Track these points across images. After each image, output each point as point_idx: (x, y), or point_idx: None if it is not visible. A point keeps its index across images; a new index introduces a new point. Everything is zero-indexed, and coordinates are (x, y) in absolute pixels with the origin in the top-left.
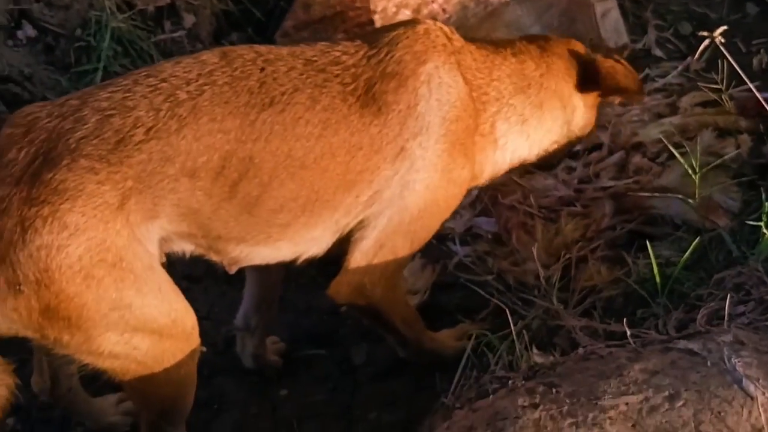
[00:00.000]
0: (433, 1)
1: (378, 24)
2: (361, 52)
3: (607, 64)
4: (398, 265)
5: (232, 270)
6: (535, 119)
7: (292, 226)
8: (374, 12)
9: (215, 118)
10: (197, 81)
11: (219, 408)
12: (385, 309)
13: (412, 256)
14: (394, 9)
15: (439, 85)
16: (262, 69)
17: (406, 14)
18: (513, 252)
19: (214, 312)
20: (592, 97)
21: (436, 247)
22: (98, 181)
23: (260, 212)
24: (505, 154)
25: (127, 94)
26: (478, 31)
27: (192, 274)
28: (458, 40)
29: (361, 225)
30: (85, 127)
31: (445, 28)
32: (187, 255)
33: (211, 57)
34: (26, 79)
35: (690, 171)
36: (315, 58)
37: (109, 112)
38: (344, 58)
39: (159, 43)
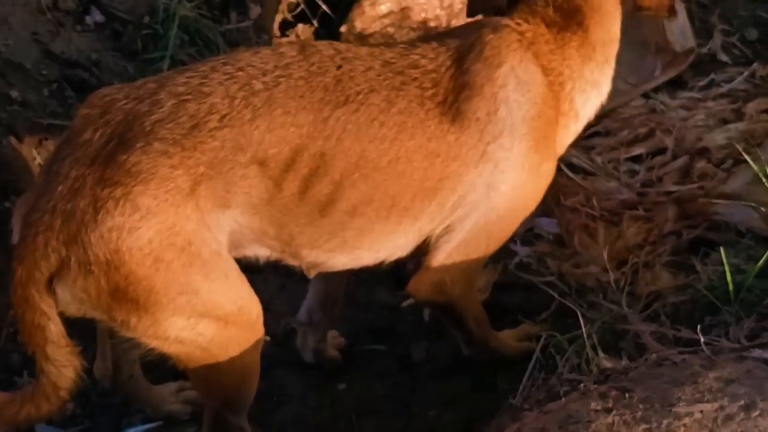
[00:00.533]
0: None
1: (443, 20)
2: (440, 58)
3: None
4: (479, 263)
5: (311, 274)
6: (604, 77)
7: (370, 233)
8: (441, 8)
9: (289, 111)
10: (273, 72)
11: (278, 400)
12: (462, 305)
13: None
14: (460, 5)
15: (517, 85)
16: (339, 66)
17: None
18: (574, 254)
19: (274, 304)
20: None
21: None
22: (171, 165)
23: (332, 212)
24: (583, 120)
25: (204, 81)
26: None
27: (253, 265)
28: (529, 30)
29: (446, 229)
30: (161, 110)
31: (514, 22)
32: (261, 261)
33: (289, 50)
34: (93, 64)
35: (762, 178)
36: (393, 60)
37: (185, 97)
38: (423, 62)
39: (225, 33)
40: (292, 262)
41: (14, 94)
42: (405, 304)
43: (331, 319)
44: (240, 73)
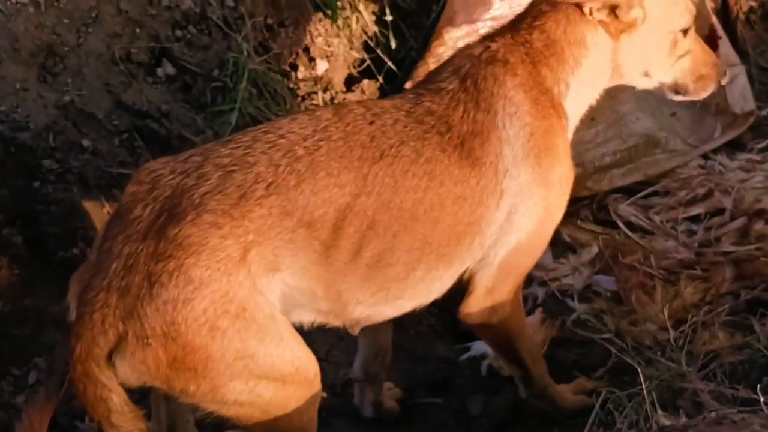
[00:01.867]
0: None
1: None
2: (446, 100)
3: None
4: (522, 279)
5: (355, 331)
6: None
7: (410, 281)
8: None
9: (332, 173)
10: (313, 137)
11: None
12: (513, 328)
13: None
14: None
15: (510, 120)
16: (372, 122)
17: None
18: (631, 312)
19: (332, 355)
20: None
21: (555, 303)
22: (221, 236)
23: (378, 266)
24: (576, 119)
25: (248, 151)
26: (606, 91)
27: None
28: (503, 48)
29: (481, 260)
30: (208, 183)
31: (490, 49)
32: (305, 327)
33: (324, 113)
34: (163, 115)
35: None
36: (412, 110)
37: (230, 168)
38: (434, 107)
39: (292, 87)
40: (335, 322)
41: (86, 143)
42: (463, 357)
43: (385, 368)
44: (282, 141)
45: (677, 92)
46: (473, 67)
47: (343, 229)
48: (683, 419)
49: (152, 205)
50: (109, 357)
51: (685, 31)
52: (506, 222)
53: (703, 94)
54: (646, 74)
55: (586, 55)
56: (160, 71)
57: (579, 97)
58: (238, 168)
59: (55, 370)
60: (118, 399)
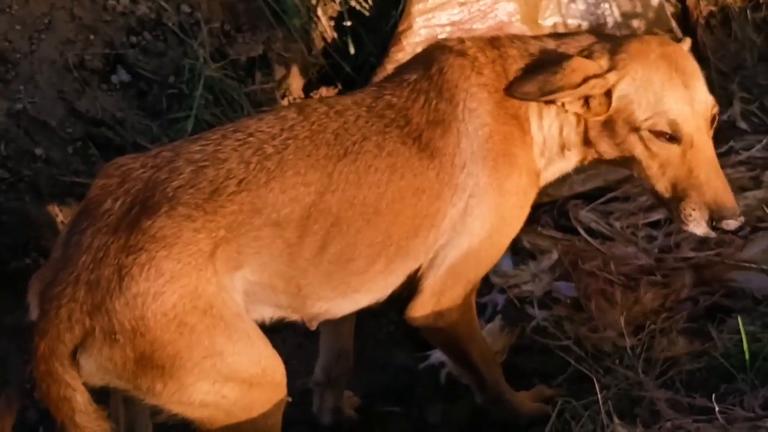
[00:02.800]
0: None
1: None
2: (405, 93)
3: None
4: (472, 286)
5: (313, 326)
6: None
7: (369, 274)
8: None
9: (299, 171)
10: (281, 135)
11: None
12: (462, 333)
13: (486, 273)
14: None
15: (470, 115)
16: (335, 120)
17: None
18: (591, 318)
19: (290, 363)
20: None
21: (515, 310)
22: (194, 229)
23: (339, 261)
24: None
25: (219, 147)
26: None
27: (270, 325)
28: (476, 47)
29: (432, 259)
30: (181, 176)
31: (458, 46)
32: (267, 321)
33: (289, 112)
34: (118, 123)
35: None
36: (373, 105)
37: (202, 164)
38: (394, 100)
39: (250, 94)
40: (294, 316)
41: (38, 151)
42: (422, 366)
43: (346, 374)
44: (251, 139)
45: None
46: (442, 56)
47: (308, 227)
48: (639, 428)
49: (123, 198)
50: (74, 355)
51: (667, 136)
52: (460, 221)
53: (685, 226)
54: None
55: None
56: (114, 78)
57: (548, 120)
58: (210, 164)
59: (11, 381)
60: (82, 398)
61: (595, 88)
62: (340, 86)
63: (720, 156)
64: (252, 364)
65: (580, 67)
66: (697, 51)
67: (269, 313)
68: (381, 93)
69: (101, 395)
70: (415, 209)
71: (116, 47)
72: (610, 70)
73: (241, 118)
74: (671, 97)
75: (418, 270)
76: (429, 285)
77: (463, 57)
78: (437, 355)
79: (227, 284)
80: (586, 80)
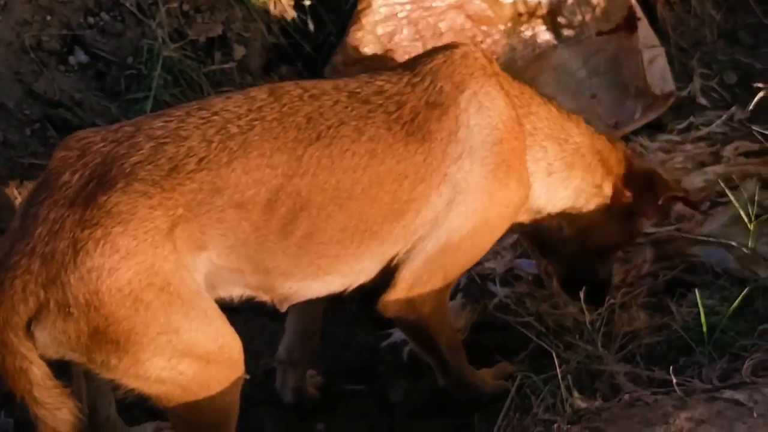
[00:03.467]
0: (481, 42)
1: None
2: (404, 80)
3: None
4: (447, 283)
5: (283, 308)
6: (561, 178)
7: (341, 257)
8: (424, 50)
9: (264, 153)
10: (247, 116)
11: None
12: (433, 326)
13: (462, 274)
14: None
15: (478, 110)
16: (309, 104)
17: None
18: (553, 295)
19: (254, 344)
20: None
21: (477, 287)
22: (151, 206)
23: (309, 245)
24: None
25: (181, 124)
26: (525, 74)
27: (233, 306)
28: (497, 67)
29: (410, 250)
30: (140, 152)
31: (484, 53)
32: (235, 300)
33: (260, 93)
34: (76, 104)
35: (746, 219)
36: (358, 90)
37: (163, 140)
38: (387, 86)
39: (209, 74)
40: (264, 297)
41: None
42: (384, 344)
43: (309, 354)
44: (216, 117)
45: None
46: (470, 49)
47: (275, 210)
48: (599, 402)
49: (81, 171)
50: (29, 327)
51: None
52: (443, 213)
53: None
54: None
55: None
56: (72, 59)
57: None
58: (171, 141)
59: None
60: (39, 371)
61: None
62: (300, 65)
63: (680, 132)
64: (209, 341)
65: None
66: (656, 27)
67: (238, 292)
68: (372, 79)
69: (65, 371)
70: (394, 195)
71: (73, 28)
72: None
73: (200, 98)
74: None
75: (393, 258)
76: (403, 277)
77: (492, 64)
78: (399, 334)
79: (188, 263)
80: None
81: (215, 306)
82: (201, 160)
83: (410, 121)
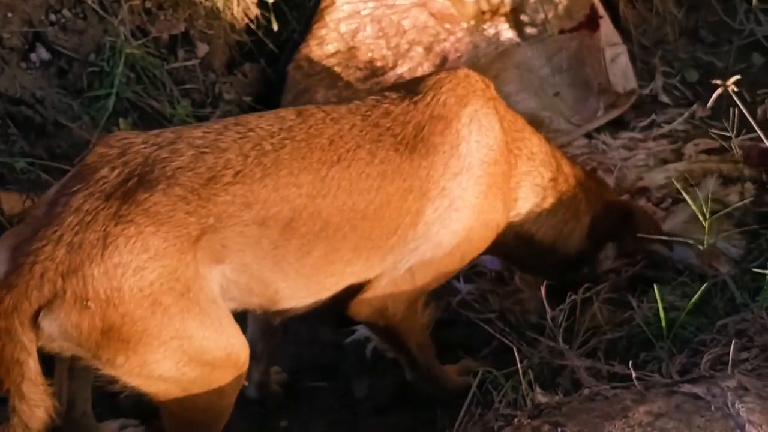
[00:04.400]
0: (444, 40)
1: (390, 60)
2: (407, 99)
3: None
4: (421, 293)
5: (276, 321)
6: (550, 204)
7: (346, 275)
8: (387, 48)
9: (293, 172)
10: (279, 134)
11: None
12: (403, 332)
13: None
14: (406, 45)
15: (479, 127)
16: (331, 127)
17: (418, 51)
18: (515, 291)
19: None
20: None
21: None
22: (187, 212)
23: (322, 264)
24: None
25: (219, 137)
26: (489, 71)
27: None
28: (494, 92)
29: (398, 260)
30: (181, 158)
31: (483, 78)
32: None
33: (288, 114)
34: (38, 102)
35: (700, 217)
36: (369, 113)
37: (203, 150)
38: (392, 108)
39: (172, 71)
40: (259, 311)
41: None
42: (348, 340)
43: (273, 350)
44: (251, 134)
45: None
46: (471, 75)
47: (295, 230)
48: (560, 397)
49: (121, 168)
50: (35, 318)
51: None
52: (433, 227)
53: None
54: None
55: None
56: (33, 56)
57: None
58: (210, 151)
59: None
60: (33, 366)
61: None
62: (263, 63)
63: (642, 129)
64: (218, 349)
65: None
66: (618, 25)
67: (233, 307)
68: (379, 102)
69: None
70: (399, 210)
71: (35, 25)
72: None
73: (163, 95)
74: None
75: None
76: (380, 285)
77: (489, 87)
78: (363, 331)
79: (205, 274)
80: None
81: (229, 314)
82: (237, 173)
83: (414, 138)
